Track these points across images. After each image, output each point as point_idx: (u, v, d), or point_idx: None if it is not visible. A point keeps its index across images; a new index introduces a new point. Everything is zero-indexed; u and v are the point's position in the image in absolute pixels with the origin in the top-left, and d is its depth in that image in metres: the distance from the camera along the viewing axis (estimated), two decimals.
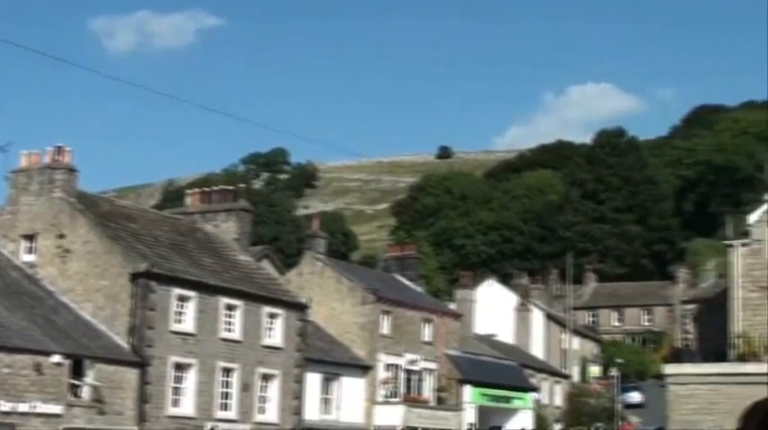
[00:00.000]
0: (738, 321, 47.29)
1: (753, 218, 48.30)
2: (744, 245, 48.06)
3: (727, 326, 47.90)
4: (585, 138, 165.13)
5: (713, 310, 52.94)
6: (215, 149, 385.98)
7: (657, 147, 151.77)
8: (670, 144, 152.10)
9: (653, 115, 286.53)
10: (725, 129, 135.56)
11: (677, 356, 50.18)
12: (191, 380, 42.18)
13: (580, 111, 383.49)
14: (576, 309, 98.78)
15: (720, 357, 47.10)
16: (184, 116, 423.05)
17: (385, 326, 55.84)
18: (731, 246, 48.92)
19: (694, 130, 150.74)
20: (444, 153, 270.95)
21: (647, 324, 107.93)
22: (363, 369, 54.02)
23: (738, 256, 48.02)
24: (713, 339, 50.72)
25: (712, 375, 44.43)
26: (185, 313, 42.19)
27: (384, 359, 55.34)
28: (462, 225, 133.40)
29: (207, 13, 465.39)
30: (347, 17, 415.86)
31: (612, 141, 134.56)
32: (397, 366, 56.21)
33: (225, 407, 43.73)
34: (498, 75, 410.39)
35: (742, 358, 45.68)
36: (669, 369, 46.99)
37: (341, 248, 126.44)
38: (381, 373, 55.13)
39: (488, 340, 71.43)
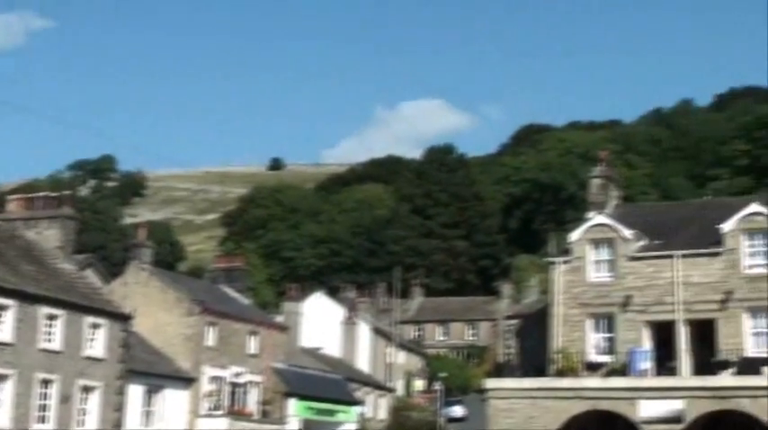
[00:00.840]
0: (558, 337, 48.39)
1: (574, 236, 49.49)
2: (565, 262, 49.21)
3: (547, 342, 48.99)
4: (416, 153, 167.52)
5: (534, 326, 54.01)
6: (41, 155, 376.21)
7: (486, 165, 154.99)
8: (498, 161, 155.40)
9: (482, 132, 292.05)
10: (550, 149, 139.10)
11: (499, 371, 51.03)
12: (7, 391, 40.80)
13: (411, 126, 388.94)
14: (402, 323, 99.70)
15: (540, 372, 48.13)
16: (9, 120, 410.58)
17: (210, 338, 55.23)
18: (553, 263, 50.01)
19: (521, 149, 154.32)
20: (275, 164, 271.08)
21: (471, 338, 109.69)
22: (187, 381, 53.27)
23: (559, 274, 49.15)
24: (534, 354, 51.76)
25: (531, 390, 45.35)
26: (3, 322, 40.79)
27: (208, 371, 54.69)
28: (291, 237, 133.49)
29: (36, 15, 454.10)
30: (176, 24, 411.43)
31: (442, 157, 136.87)
32: (221, 379, 55.64)
33: (42, 419, 42.46)
34: (331, 88, 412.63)
35: (561, 373, 46.76)
36: (490, 383, 47.78)
37: (168, 258, 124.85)
38: (205, 386, 54.47)
39: (314, 353, 71.44)
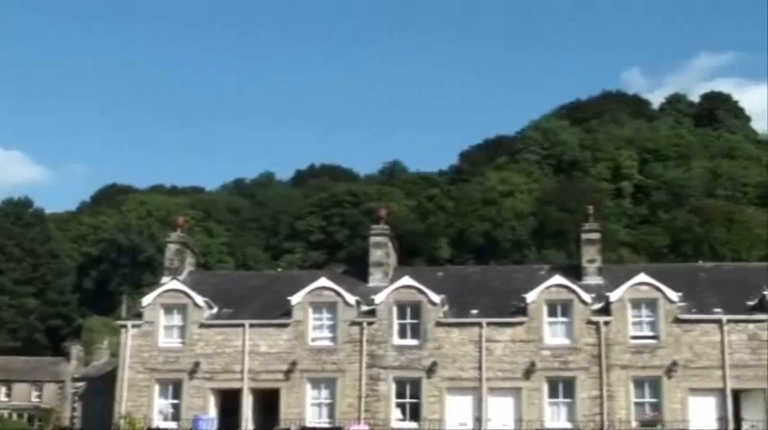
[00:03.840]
0: (124, 401, 47.98)
1: (146, 300, 49.42)
2: (135, 326, 48.97)
3: (113, 406, 48.38)
4: None
5: (102, 389, 53.21)
6: None
7: (64, 222, 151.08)
8: (77, 220, 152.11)
9: (63, 189, 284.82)
10: (131, 210, 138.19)
11: None
12: None
13: None
14: None
15: None
16: None
17: None
18: (124, 326, 49.64)
19: (102, 208, 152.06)
20: None
21: (35, 400, 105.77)
22: None
23: (129, 337, 48.85)
24: (99, 418, 50.94)
25: None
26: None
27: None
28: None
29: None
30: None
31: (18, 211, 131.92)
32: None
33: None
34: None
35: None
36: None
37: None
38: None
39: None
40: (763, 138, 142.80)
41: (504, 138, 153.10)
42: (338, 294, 48.06)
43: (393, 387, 47.03)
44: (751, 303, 46.75)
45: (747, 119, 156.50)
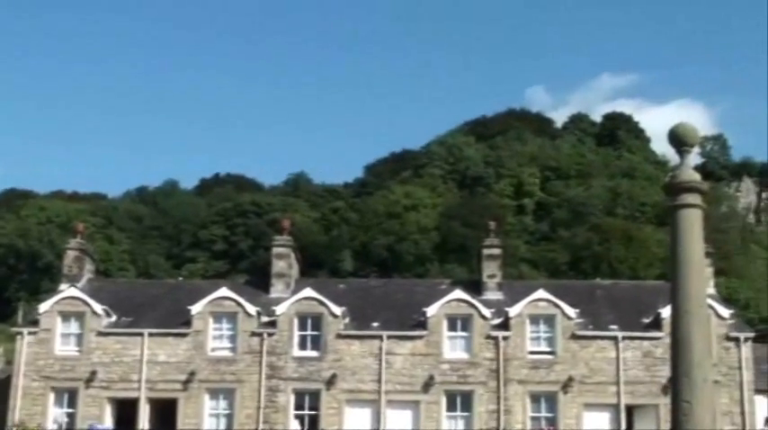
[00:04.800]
0: (17, 410, 47.17)
1: (43, 307, 48.73)
2: (31, 333, 48.24)
3: (6, 415, 47.53)
4: None
5: None
6: None
7: None
8: None
9: None
10: (31, 215, 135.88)
11: None
12: None
13: None
14: None
15: None
16: None
17: None
18: (20, 333, 48.90)
19: (1, 213, 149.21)
20: None
21: None
22: None
23: (25, 344, 48.10)
24: None
25: None
26: None
27: None
28: None
29: None
30: None
31: None
32: None
33: None
34: None
35: None
36: None
37: None
38: None
39: None
40: (661, 159, 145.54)
41: (410, 152, 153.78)
42: (239, 304, 47.89)
43: (292, 398, 47.00)
44: (646, 321, 47.75)
45: (647, 140, 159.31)
